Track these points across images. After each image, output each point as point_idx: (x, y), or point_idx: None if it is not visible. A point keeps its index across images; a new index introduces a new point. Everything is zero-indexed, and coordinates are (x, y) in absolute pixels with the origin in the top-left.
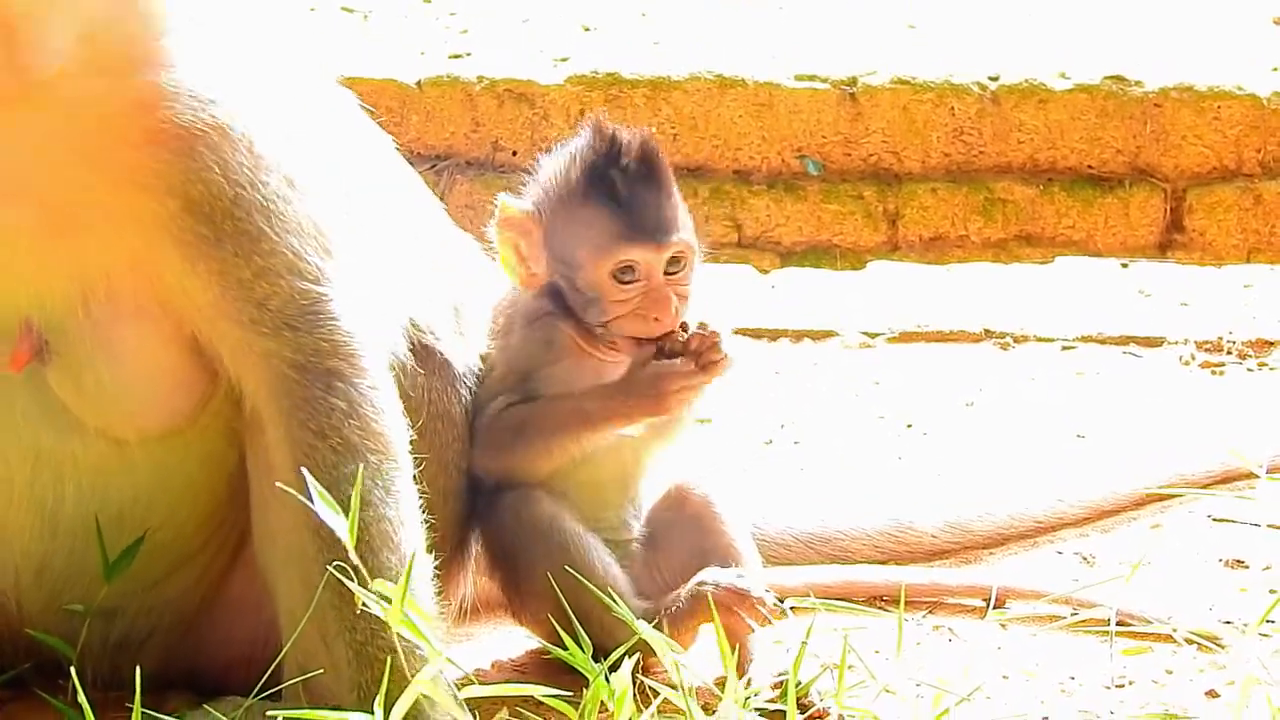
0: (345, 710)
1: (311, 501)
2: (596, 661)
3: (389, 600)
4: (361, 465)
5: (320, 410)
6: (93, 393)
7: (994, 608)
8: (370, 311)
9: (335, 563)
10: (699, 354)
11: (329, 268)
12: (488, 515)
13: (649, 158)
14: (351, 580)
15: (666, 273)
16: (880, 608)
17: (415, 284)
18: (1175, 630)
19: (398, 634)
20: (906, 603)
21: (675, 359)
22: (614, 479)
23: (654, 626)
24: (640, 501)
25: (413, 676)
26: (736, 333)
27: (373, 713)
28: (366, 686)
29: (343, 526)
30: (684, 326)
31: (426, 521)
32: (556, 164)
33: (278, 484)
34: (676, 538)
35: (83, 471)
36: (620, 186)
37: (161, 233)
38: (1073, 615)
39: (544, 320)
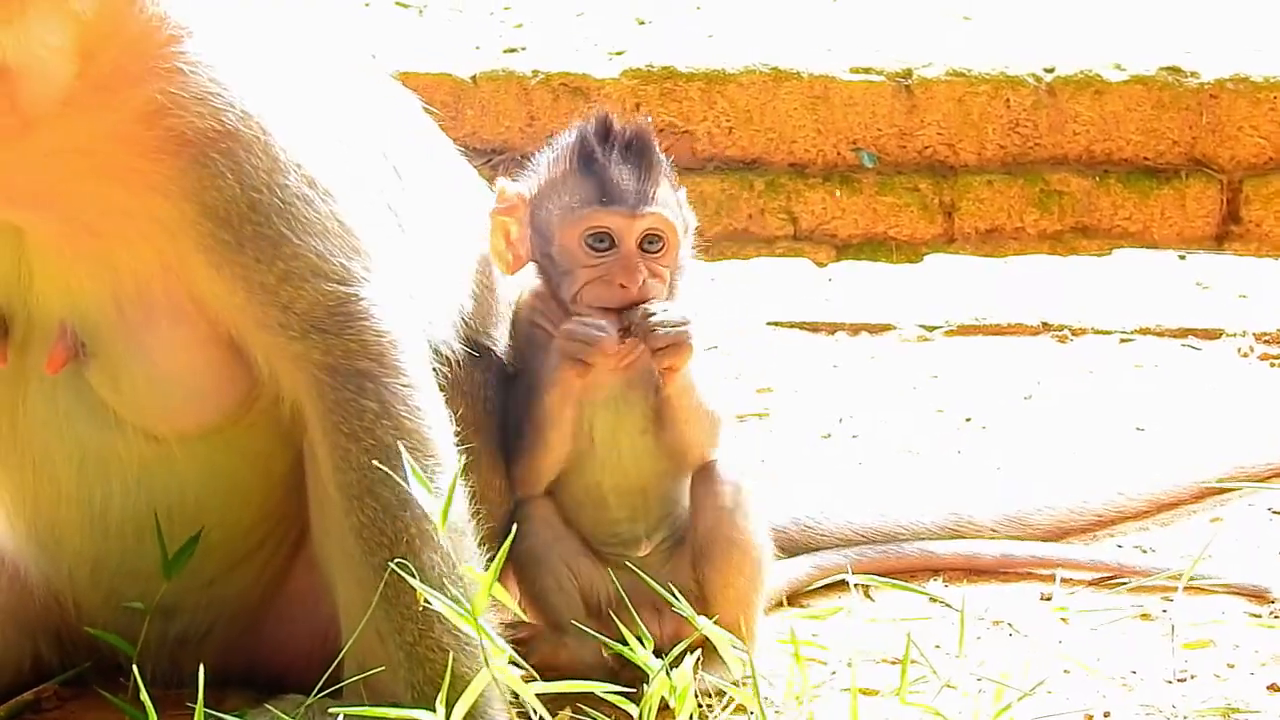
0: (404, 708)
1: (354, 504)
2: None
3: (452, 600)
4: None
5: (352, 412)
6: (129, 392)
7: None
8: (408, 309)
9: (381, 563)
10: (647, 334)
11: (358, 267)
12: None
13: (639, 139)
14: (402, 580)
15: (642, 248)
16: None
17: (470, 279)
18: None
19: (450, 631)
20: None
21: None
22: (614, 489)
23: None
24: (659, 516)
25: (467, 674)
26: (795, 326)
27: (434, 710)
28: (420, 686)
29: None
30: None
31: (481, 517)
32: (551, 149)
33: (328, 485)
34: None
35: (128, 469)
36: (602, 158)
37: (184, 237)
38: (1134, 609)
39: (524, 318)
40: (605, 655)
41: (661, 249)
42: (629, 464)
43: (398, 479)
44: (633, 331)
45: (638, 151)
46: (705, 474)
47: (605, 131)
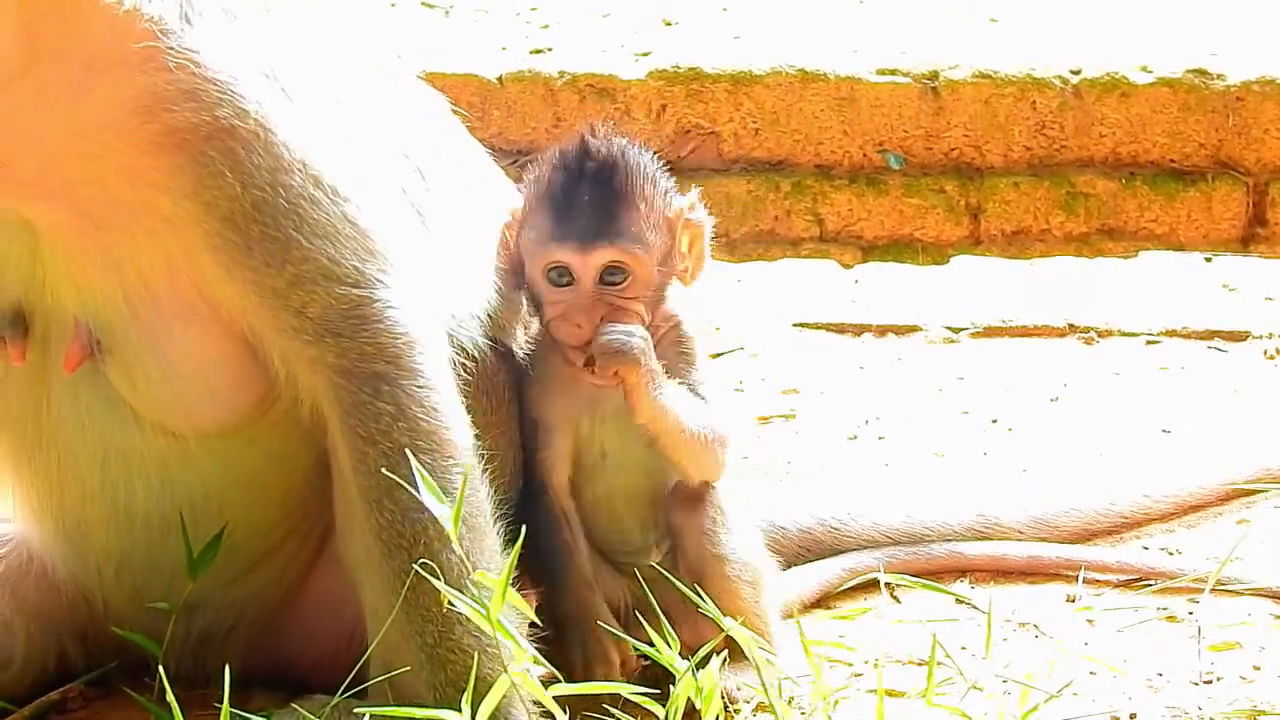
0: (427, 709)
1: (373, 506)
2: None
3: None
4: (413, 468)
5: (368, 416)
6: (145, 390)
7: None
8: (427, 309)
9: (400, 566)
10: (597, 354)
11: (372, 269)
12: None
13: (608, 166)
14: (422, 582)
15: (604, 281)
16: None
17: (494, 277)
18: None
19: (471, 633)
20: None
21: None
22: (625, 499)
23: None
24: (668, 525)
25: (489, 675)
26: (820, 327)
27: (460, 710)
28: (441, 687)
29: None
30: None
31: (505, 517)
32: (537, 165)
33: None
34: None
35: (150, 466)
36: (564, 189)
37: (190, 234)
38: (1160, 610)
39: (538, 343)
40: (628, 657)
41: (625, 281)
42: (638, 475)
43: (415, 481)
44: (591, 354)
45: (607, 179)
46: (681, 497)
47: (580, 156)
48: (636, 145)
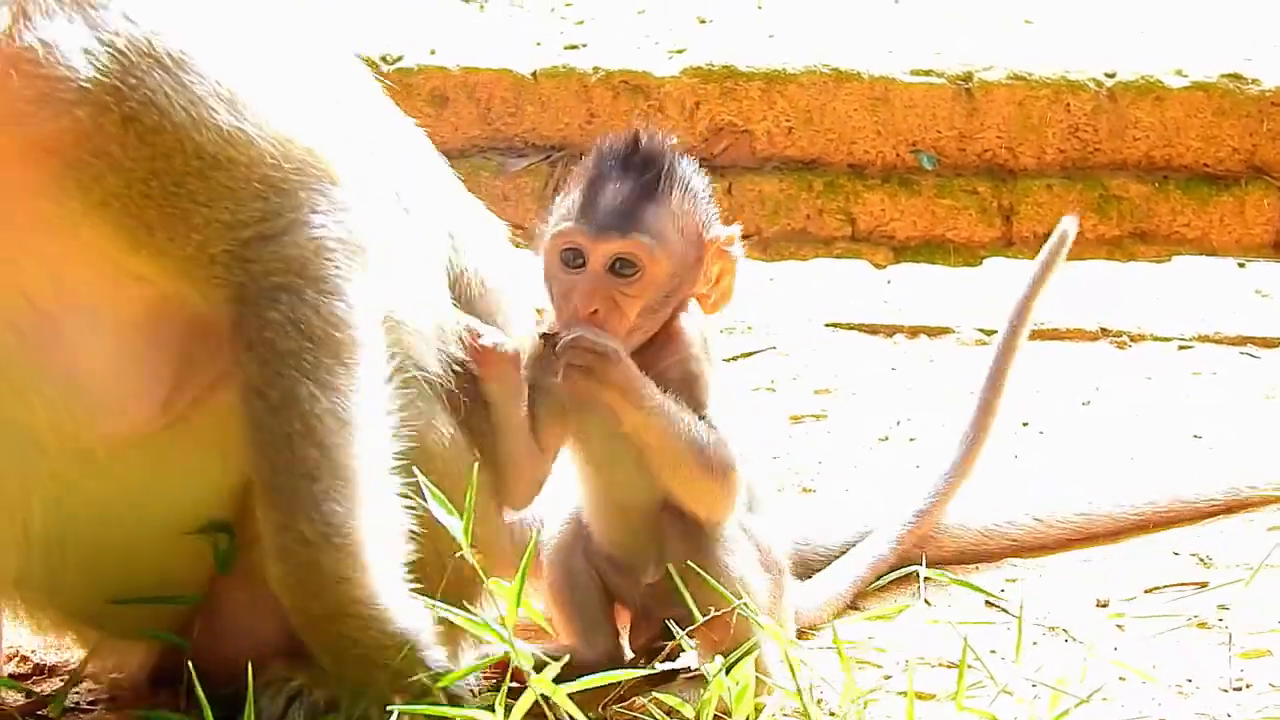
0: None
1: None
2: None
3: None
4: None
5: (253, 326)
6: (42, 410)
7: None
8: (345, 217)
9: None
10: (561, 351)
11: (276, 196)
12: None
13: (651, 160)
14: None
15: (615, 271)
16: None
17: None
18: None
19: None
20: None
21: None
22: (618, 511)
23: None
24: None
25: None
26: (852, 328)
27: (493, 711)
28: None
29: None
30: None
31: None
32: (588, 154)
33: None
34: None
35: (79, 481)
36: (599, 174)
37: (89, 234)
38: (1191, 617)
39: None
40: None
41: (635, 275)
42: (629, 491)
43: (290, 378)
44: (554, 349)
45: (639, 172)
46: (672, 513)
47: (625, 147)
48: (689, 158)
